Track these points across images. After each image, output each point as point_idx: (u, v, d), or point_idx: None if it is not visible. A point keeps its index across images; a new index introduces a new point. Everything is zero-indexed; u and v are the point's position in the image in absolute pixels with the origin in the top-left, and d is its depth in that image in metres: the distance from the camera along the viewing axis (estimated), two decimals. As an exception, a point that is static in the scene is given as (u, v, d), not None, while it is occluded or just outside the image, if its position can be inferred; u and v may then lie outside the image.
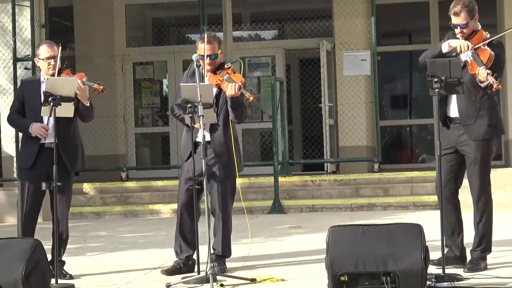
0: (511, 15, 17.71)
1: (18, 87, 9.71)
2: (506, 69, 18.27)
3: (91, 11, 19.75)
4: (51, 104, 8.41)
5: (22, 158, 9.18)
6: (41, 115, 8.79)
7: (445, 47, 8.45)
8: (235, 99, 8.78)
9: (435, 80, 8.01)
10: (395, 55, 20.77)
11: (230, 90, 8.71)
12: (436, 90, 8.03)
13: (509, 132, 18.60)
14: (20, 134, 11.22)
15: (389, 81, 21.31)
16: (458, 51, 8.32)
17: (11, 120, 9.32)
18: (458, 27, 8.43)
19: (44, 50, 9.12)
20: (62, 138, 8.74)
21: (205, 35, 9.06)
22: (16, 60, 16.64)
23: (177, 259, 9.06)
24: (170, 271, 8.92)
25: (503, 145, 19.06)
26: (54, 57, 9.04)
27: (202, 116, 8.35)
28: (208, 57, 8.89)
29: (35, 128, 8.91)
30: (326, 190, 16.45)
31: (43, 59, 9.08)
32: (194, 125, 8.65)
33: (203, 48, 8.87)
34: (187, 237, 9.02)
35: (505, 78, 18.70)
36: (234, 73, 8.96)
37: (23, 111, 9.16)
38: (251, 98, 8.74)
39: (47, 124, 8.92)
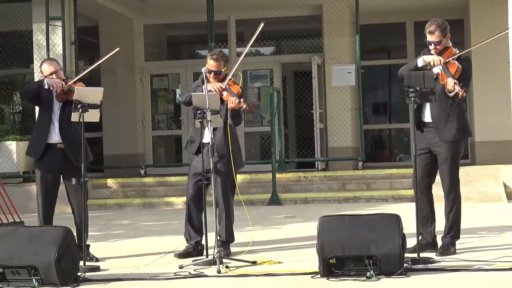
0: (476, 34, 17.70)
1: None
2: (472, 82, 18.37)
3: (114, 30, 19.75)
4: (80, 110, 8.42)
5: (33, 149, 9.17)
6: (72, 120, 8.77)
7: (420, 62, 8.47)
8: (235, 111, 8.81)
9: (411, 90, 8.03)
10: (376, 68, 20.75)
11: (230, 103, 8.74)
12: (412, 98, 8.05)
13: (474, 135, 18.60)
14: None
15: (371, 91, 21.28)
16: (432, 65, 8.35)
17: (24, 87, 9.29)
18: (433, 44, 8.47)
19: (46, 67, 9.11)
20: (67, 138, 8.80)
21: (216, 52, 9.11)
22: (49, 72, 16.59)
23: (187, 244, 9.07)
24: (182, 255, 8.93)
25: (470, 146, 19.07)
26: (56, 72, 9.07)
27: (210, 121, 8.38)
28: (213, 72, 8.93)
29: (50, 80, 8.90)
30: (317, 185, 16.45)
31: (46, 76, 9.09)
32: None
33: (211, 64, 8.93)
34: (194, 225, 9.04)
35: (471, 89, 18.72)
36: (234, 83, 8.99)
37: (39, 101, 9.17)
38: (244, 106, 8.75)
39: (57, 126, 8.95)
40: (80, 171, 8.78)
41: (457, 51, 8.51)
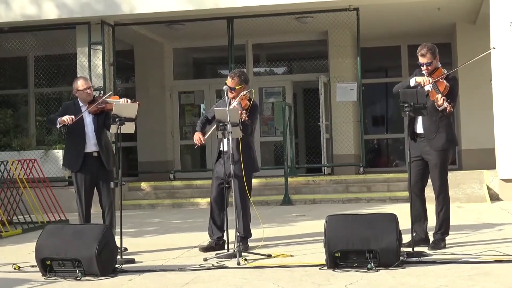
0: (462, 56, 17.66)
1: (61, 107, 9.57)
2: (459, 97, 18.32)
3: (147, 53, 19.81)
4: (118, 123, 8.43)
5: (70, 162, 9.13)
6: (110, 131, 8.79)
7: (412, 82, 8.53)
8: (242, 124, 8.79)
9: (406, 105, 8.03)
10: (375, 85, 20.72)
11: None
12: (407, 112, 8.04)
13: (461, 144, 18.53)
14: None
15: (371, 105, 21.24)
16: (422, 85, 8.35)
17: (48, 119, 9.30)
18: (424, 65, 8.48)
19: (81, 83, 9.15)
20: (101, 146, 8.80)
21: (234, 71, 9.15)
22: (91, 90, 16.63)
23: (211, 240, 9.06)
24: (206, 249, 8.92)
25: (457, 154, 19.01)
26: (89, 87, 9.10)
27: (231, 132, 8.39)
28: (230, 89, 8.93)
29: (65, 118, 8.90)
30: (323, 187, 16.39)
31: (81, 90, 9.09)
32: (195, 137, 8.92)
33: (228, 81, 8.99)
34: (217, 223, 9.04)
35: (458, 104, 18.68)
36: (249, 100, 9.00)
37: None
38: (243, 117, 8.75)
39: (91, 137, 8.96)
40: (111, 175, 8.82)
41: (445, 71, 8.54)
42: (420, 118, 8.50)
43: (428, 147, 8.49)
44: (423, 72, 8.53)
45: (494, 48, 8.99)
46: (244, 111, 8.81)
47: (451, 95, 8.43)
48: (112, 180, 9.07)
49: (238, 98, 8.92)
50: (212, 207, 9.12)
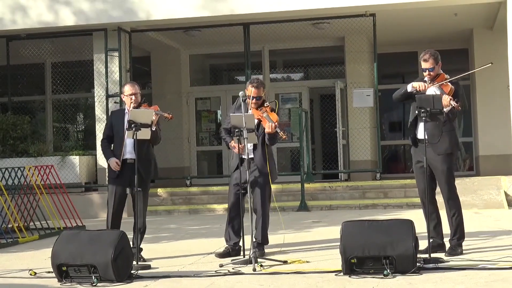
0: (479, 61, 17.55)
1: (108, 116, 9.71)
2: (476, 103, 18.26)
3: (163, 60, 19.85)
4: (133, 129, 8.44)
5: (111, 170, 9.16)
6: (125, 137, 8.81)
7: (409, 87, 8.65)
8: (271, 135, 8.81)
9: (422, 110, 8.03)
10: (392, 91, 20.35)
11: (268, 128, 8.77)
12: (423, 118, 8.03)
13: (478, 149, 18.46)
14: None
15: (387, 111, 21.18)
16: (418, 90, 8.40)
17: (101, 145, 9.32)
18: (427, 70, 8.53)
19: (127, 89, 9.13)
20: (139, 155, 8.71)
21: (255, 80, 9.07)
22: (108, 96, 16.71)
23: (227, 245, 9.04)
24: (222, 254, 8.91)
25: (474, 160, 18.96)
26: (135, 94, 9.05)
27: (247, 138, 8.39)
28: (254, 98, 8.92)
29: (111, 162, 8.99)
30: (340, 193, 16.35)
31: (126, 96, 9.10)
32: (232, 147, 8.76)
33: (252, 91, 8.92)
34: (234, 228, 9.02)
35: (475, 110, 18.62)
36: (272, 110, 8.99)
37: (112, 134, 9.19)
38: (284, 137, 8.76)
39: (128, 144, 8.95)
40: (145, 182, 8.82)
41: (448, 76, 8.56)
42: (422, 124, 8.45)
43: (432, 152, 8.46)
44: (425, 78, 8.56)
45: (491, 63, 8.97)
46: (282, 131, 8.77)
47: (456, 95, 8.44)
48: (147, 189, 9.09)
49: (263, 110, 8.90)
50: (230, 213, 9.11)
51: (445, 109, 8.26)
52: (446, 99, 8.21)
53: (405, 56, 20.19)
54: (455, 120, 8.69)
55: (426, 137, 8.39)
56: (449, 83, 8.44)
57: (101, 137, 9.45)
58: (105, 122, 15.13)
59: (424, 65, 8.53)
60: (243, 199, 8.88)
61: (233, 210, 9.06)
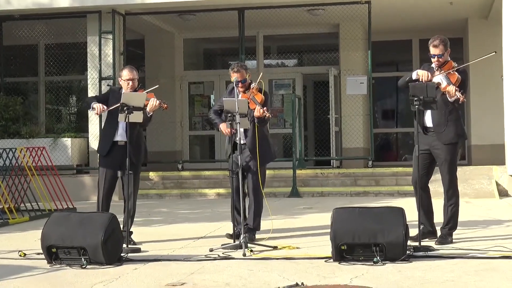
0: (474, 51, 17.56)
1: (107, 90, 9.66)
2: (469, 93, 18.25)
3: (157, 43, 19.80)
4: (126, 112, 8.41)
5: (101, 147, 9.13)
6: (118, 120, 8.77)
7: (414, 75, 8.49)
8: (260, 118, 8.75)
9: (416, 99, 7.98)
10: (385, 79, 20.64)
11: (256, 112, 8.71)
12: (416, 106, 8.00)
13: (471, 139, 18.48)
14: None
15: (381, 99, 21.19)
16: (421, 79, 8.30)
17: (87, 100, 9.30)
18: (436, 56, 8.42)
19: (125, 73, 9.09)
20: (130, 138, 8.68)
21: (236, 65, 9.05)
22: (101, 79, 16.67)
23: (236, 228, 8.79)
24: (233, 236, 8.74)
25: (466, 149, 18.97)
26: (132, 80, 9.04)
27: (239, 123, 8.37)
28: (240, 82, 8.89)
29: (96, 106, 8.83)
30: (332, 180, 16.37)
31: (124, 80, 9.06)
32: (222, 130, 8.84)
33: (235, 76, 8.92)
34: (239, 212, 8.93)
35: (468, 100, 18.62)
36: (260, 91, 8.95)
37: (101, 98, 9.17)
38: (267, 115, 8.70)
39: (120, 127, 8.92)
40: (135, 166, 8.79)
41: (456, 64, 8.47)
42: (429, 112, 8.44)
43: (437, 141, 8.45)
44: (433, 64, 8.48)
45: (495, 52, 8.93)
46: (266, 108, 8.71)
47: (462, 86, 8.39)
48: (138, 173, 9.06)
49: (250, 92, 8.87)
50: (234, 198, 9.03)
51: (450, 99, 8.24)
52: (452, 90, 8.17)
53: (400, 44, 20.19)
54: (461, 109, 8.66)
55: (427, 125, 8.40)
56: (455, 72, 8.37)
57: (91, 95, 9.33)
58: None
59: (433, 51, 8.43)
60: (243, 184, 8.77)
61: (235, 195, 8.98)
